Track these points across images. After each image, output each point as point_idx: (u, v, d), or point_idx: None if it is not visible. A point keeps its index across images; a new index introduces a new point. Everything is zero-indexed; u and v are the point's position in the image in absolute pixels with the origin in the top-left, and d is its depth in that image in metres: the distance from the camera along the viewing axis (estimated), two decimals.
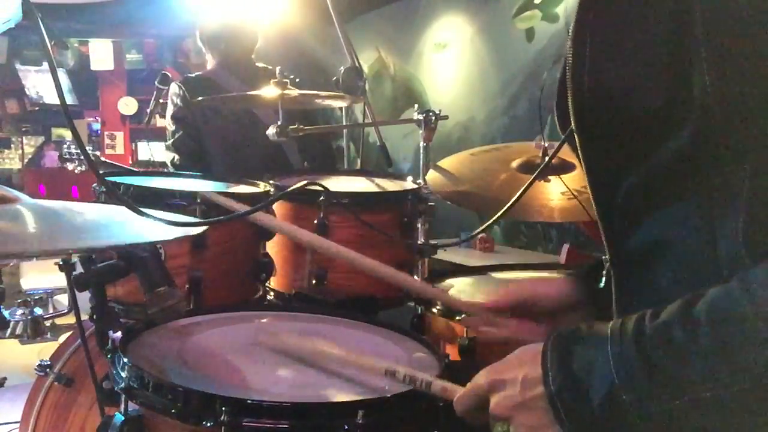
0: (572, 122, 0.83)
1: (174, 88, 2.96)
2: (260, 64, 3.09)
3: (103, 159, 3.96)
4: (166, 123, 2.99)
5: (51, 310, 4.51)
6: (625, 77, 0.77)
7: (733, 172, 0.71)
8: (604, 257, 0.89)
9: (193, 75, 3.12)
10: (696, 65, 0.70)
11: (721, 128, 0.70)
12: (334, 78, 2.17)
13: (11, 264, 4.09)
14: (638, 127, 0.76)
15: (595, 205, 0.86)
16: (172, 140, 2.91)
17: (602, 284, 1.02)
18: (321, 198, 1.69)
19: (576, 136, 0.84)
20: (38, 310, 3.30)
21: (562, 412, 0.75)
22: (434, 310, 1.62)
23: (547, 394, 0.75)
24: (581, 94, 0.81)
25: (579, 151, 0.85)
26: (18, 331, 3.23)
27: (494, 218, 0.96)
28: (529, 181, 0.94)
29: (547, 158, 1.87)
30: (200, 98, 2.38)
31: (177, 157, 2.88)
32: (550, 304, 1.11)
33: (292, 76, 1.92)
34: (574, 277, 1.14)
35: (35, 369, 1.84)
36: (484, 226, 0.98)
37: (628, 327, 0.72)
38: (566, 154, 1.85)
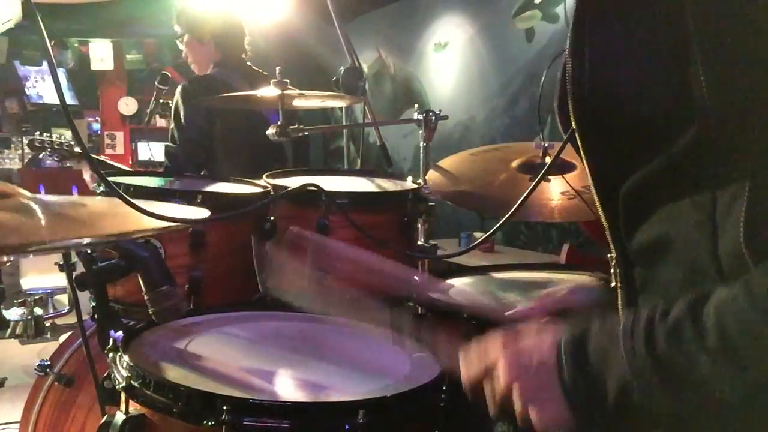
0: (573, 124, 0.83)
1: (182, 90, 2.87)
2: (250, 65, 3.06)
3: (102, 158, 3.95)
4: (174, 125, 2.87)
5: (51, 310, 4.51)
6: (625, 81, 0.77)
7: (734, 171, 0.71)
8: (609, 255, 0.89)
9: (199, 76, 3.03)
10: (693, 68, 0.70)
11: (720, 130, 0.71)
12: (334, 78, 2.17)
13: (9, 263, 4.08)
14: (641, 130, 0.77)
15: (599, 204, 0.86)
16: (180, 144, 2.82)
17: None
18: (321, 198, 1.69)
19: (577, 138, 0.84)
20: (38, 310, 3.30)
21: (577, 404, 0.78)
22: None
23: (562, 387, 0.79)
24: (582, 98, 0.81)
25: (581, 152, 0.85)
26: (18, 331, 3.23)
27: (495, 228, 0.94)
28: (530, 187, 0.94)
29: (548, 161, 1.88)
30: (200, 98, 2.38)
31: (182, 158, 2.80)
32: (582, 311, 1.12)
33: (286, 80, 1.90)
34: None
35: (35, 369, 1.84)
36: (487, 234, 0.96)
37: (639, 325, 0.74)
38: (566, 153, 1.86)
